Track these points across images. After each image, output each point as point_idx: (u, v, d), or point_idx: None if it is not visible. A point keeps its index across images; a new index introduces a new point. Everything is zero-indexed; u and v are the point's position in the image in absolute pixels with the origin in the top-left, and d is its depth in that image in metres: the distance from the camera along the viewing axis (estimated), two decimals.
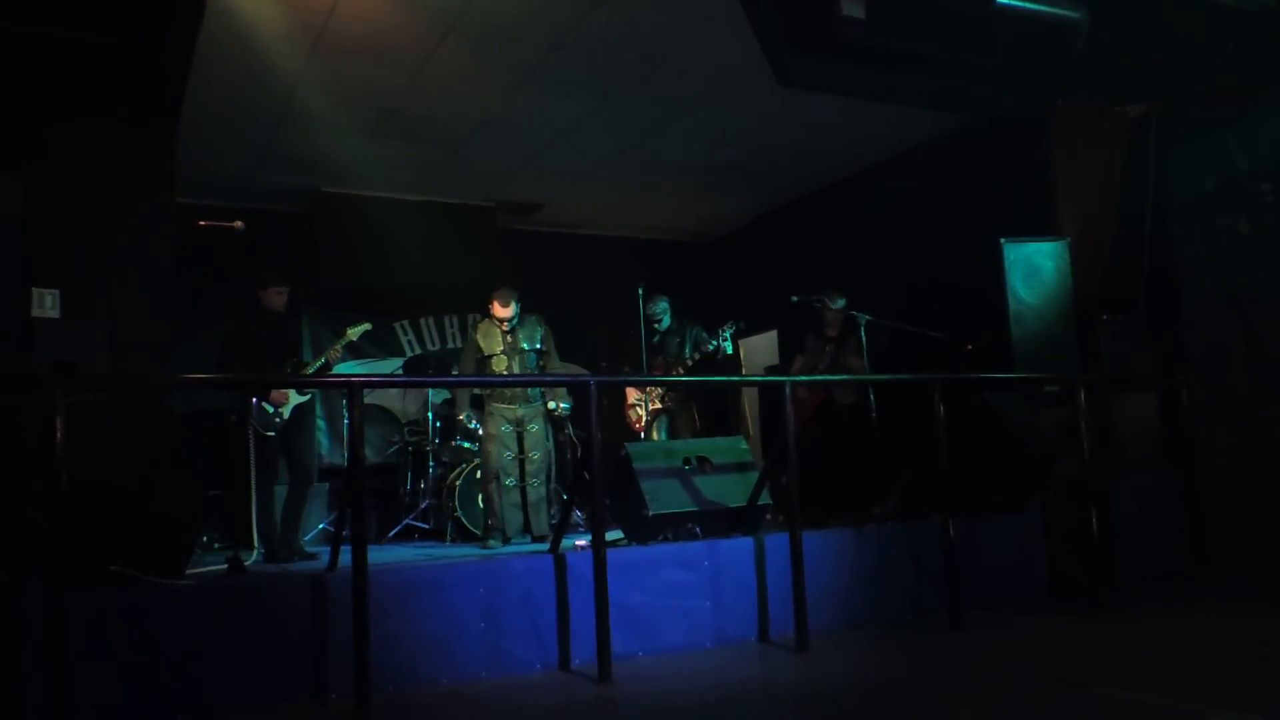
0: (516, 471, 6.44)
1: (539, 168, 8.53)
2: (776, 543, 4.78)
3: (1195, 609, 5.23)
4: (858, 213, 8.79)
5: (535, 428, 6.49)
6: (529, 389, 6.49)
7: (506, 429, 6.44)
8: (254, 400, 5.90)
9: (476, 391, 6.81)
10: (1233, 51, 6.48)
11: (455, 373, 6.81)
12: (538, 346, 6.53)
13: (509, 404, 6.46)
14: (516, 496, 6.42)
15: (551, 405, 6.86)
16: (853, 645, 4.59)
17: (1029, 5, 6.39)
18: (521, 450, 6.45)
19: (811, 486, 4.85)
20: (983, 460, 5.62)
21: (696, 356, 7.06)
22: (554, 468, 7.08)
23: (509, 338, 6.49)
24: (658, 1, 5.83)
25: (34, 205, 4.48)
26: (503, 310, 6.47)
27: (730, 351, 7.10)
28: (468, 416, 6.73)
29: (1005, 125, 7.21)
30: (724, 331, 6.97)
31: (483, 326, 6.58)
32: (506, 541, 6.33)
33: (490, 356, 6.46)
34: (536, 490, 6.44)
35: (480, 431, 6.74)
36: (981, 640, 4.60)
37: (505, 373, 6.42)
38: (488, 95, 6.99)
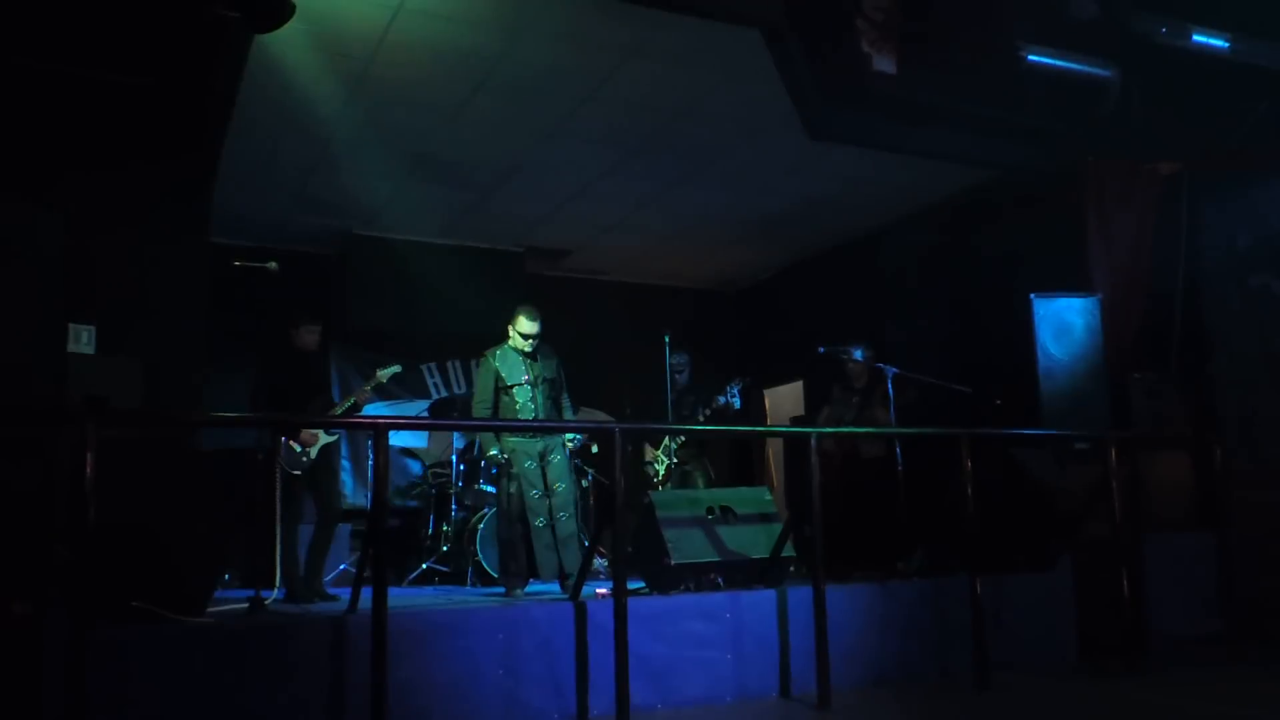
0: (546, 510, 6.08)
1: (568, 215, 8.61)
2: (799, 596, 4.71)
3: (1230, 676, 5.10)
4: (887, 265, 8.78)
5: (558, 458, 6.18)
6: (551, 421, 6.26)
7: (530, 465, 6.10)
8: (283, 439, 5.92)
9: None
10: (1264, 111, 6.48)
11: (474, 405, 6.43)
12: (555, 376, 6.26)
13: (531, 437, 6.14)
14: (548, 537, 6.06)
15: (569, 437, 6.69)
16: (876, 704, 4.49)
17: (1059, 62, 6.45)
18: (546, 485, 6.15)
19: (836, 540, 4.79)
20: (1010, 517, 5.55)
21: (707, 414, 7.11)
22: (579, 503, 6.68)
23: (532, 364, 6.18)
24: (689, 56, 5.91)
25: (74, 242, 4.57)
26: (530, 325, 6.12)
27: (739, 407, 7.13)
28: (498, 451, 6.45)
29: (1035, 180, 7.21)
30: (731, 388, 7.01)
31: (499, 353, 6.22)
32: (525, 581, 6.11)
33: (512, 386, 6.14)
34: (566, 525, 6.07)
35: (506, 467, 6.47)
36: (1010, 704, 4.50)
37: (530, 403, 6.10)
38: (520, 143, 7.09)
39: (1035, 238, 7.24)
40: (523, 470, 6.11)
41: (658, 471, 7.32)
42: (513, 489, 6.17)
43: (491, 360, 6.25)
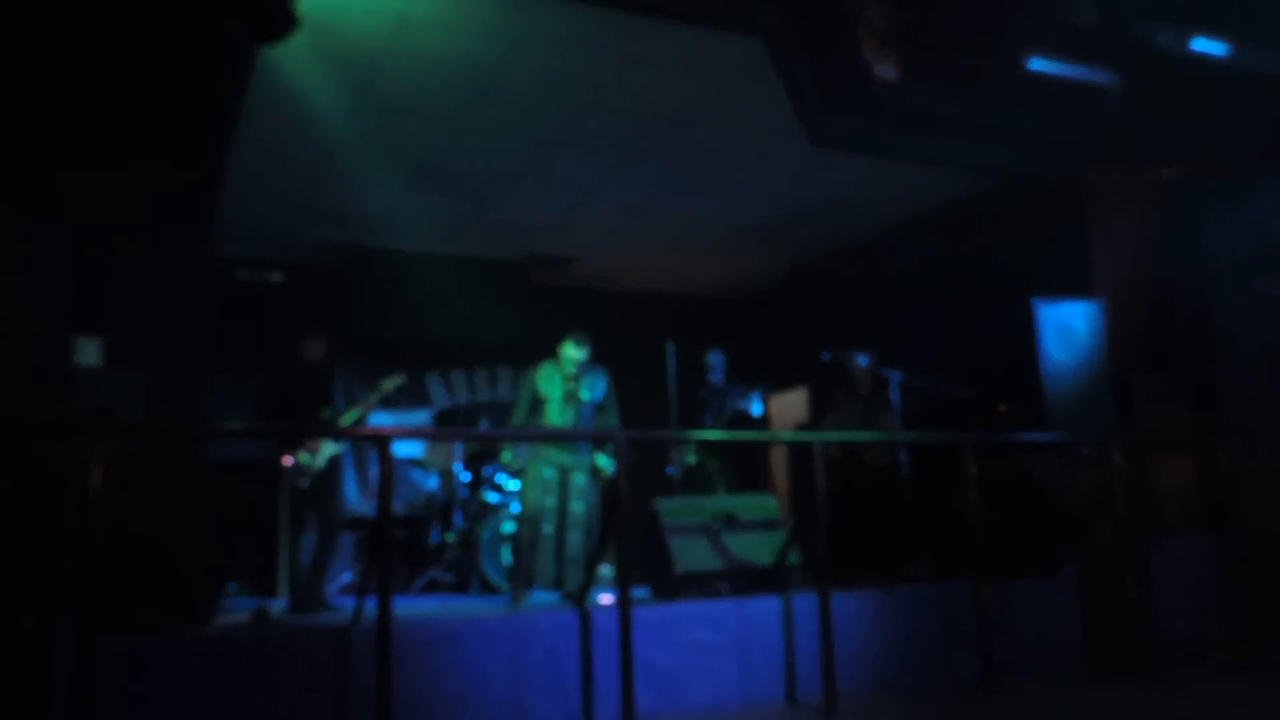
0: (556, 520, 6.15)
1: (572, 223, 8.63)
2: (805, 603, 4.72)
3: (1236, 680, 5.08)
4: (890, 271, 8.78)
5: (580, 479, 6.23)
6: (578, 441, 6.30)
7: (550, 473, 6.18)
8: (289, 453, 5.92)
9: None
10: (1265, 116, 6.48)
11: (512, 413, 6.57)
12: (597, 400, 6.32)
13: (556, 449, 6.22)
14: (552, 547, 6.13)
15: (602, 462, 6.71)
16: (883, 710, 4.49)
17: (1061, 69, 6.44)
18: (562, 499, 6.19)
19: (841, 546, 4.79)
20: (1015, 522, 5.54)
21: (729, 417, 7.08)
22: (596, 528, 6.56)
23: (571, 384, 6.26)
24: (690, 64, 5.93)
25: (79, 254, 4.60)
26: (576, 352, 6.23)
27: (757, 415, 7.11)
28: (512, 457, 6.47)
29: (1038, 185, 7.21)
30: (752, 395, 6.99)
31: (546, 369, 6.35)
32: (528, 588, 6.12)
33: (545, 400, 6.24)
34: (574, 547, 6.12)
35: (521, 473, 6.44)
36: (1017, 709, 4.49)
37: (559, 420, 6.20)
38: (523, 151, 7.10)
39: (1038, 243, 7.24)
40: (542, 476, 6.19)
41: (680, 471, 7.30)
42: (528, 490, 6.22)
43: (534, 374, 6.39)
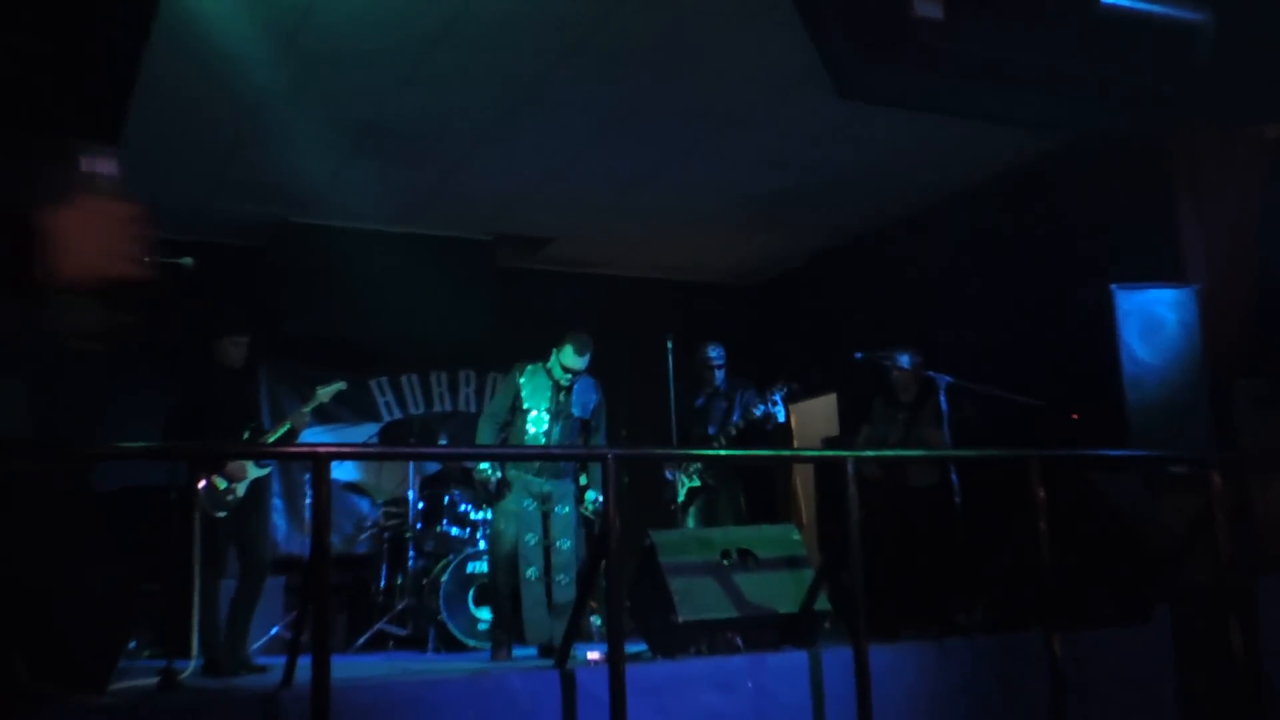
0: (541, 561, 6.17)
1: (548, 195, 8.64)
2: (837, 659, 4.68)
3: None
4: (936, 252, 8.79)
5: (565, 510, 6.28)
6: (563, 463, 6.31)
7: (530, 504, 6.19)
8: (203, 477, 5.87)
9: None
10: None
11: (483, 418, 6.57)
12: (586, 416, 6.38)
13: (535, 474, 6.24)
14: (539, 592, 6.15)
15: (590, 496, 6.68)
16: None
17: (1141, 5, 6.42)
18: (547, 536, 6.22)
19: (881, 588, 4.76)
20: (1093, 558, 5.55)
21: (740, 425, 6.98)
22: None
23: (562, 397, 6.32)
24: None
25: None
26: (575, 360, 6.28)
27: (782, 420, 7.03)
28: (488, 467, 6.42)
29: (1115, 147, 7.22)
30: (774, 395, 6.90)
31: (531, 369, 6.40)
32: (512, 644, 6.15)
33: (529, 411, 6.27)
34: (565, 591, 6.14)
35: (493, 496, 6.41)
36: None
37: (543, 436, 6.24)
38: (489, 109, 7.10)
39: (1116, 217, 7.28)
40: (520, 509, 6.16)
41: (677, 494, 7.24)
42: (502, 526, 6.20)
43: (517, 374, 6.41)
